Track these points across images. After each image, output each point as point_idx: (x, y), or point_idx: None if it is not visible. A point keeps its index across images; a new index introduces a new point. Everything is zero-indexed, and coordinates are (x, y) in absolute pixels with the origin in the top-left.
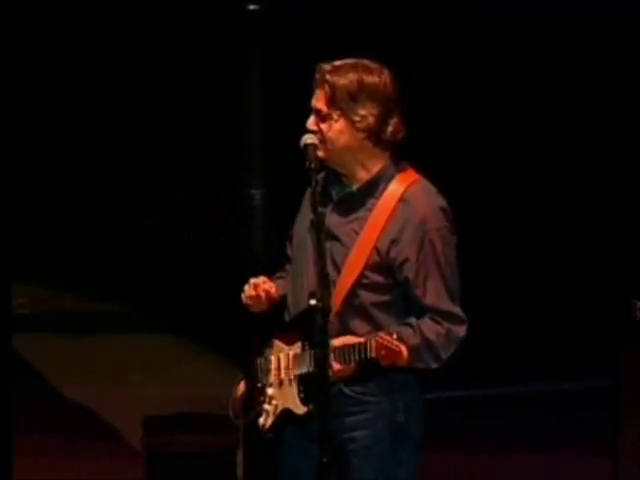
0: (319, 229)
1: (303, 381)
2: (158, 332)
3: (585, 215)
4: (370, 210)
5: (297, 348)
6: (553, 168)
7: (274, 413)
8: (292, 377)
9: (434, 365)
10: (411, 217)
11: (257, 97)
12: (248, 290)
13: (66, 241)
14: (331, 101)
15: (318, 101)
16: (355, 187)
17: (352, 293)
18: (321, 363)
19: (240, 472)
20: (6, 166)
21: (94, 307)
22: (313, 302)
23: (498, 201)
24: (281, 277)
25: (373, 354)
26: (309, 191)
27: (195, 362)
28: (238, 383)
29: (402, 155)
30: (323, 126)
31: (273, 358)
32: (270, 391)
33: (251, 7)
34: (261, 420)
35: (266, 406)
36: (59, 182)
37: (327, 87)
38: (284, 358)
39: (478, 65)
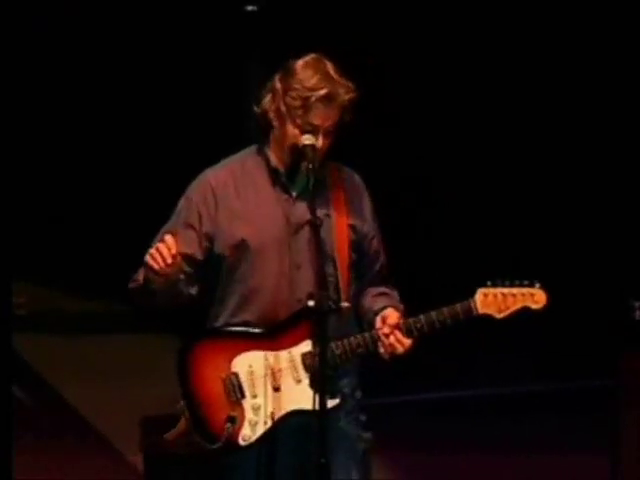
0: (317, 229)
1: (316, 377)
2: (158, 332)
3: (584, 216)
4: (324, 192)
5: (305, 347)
6: (552, 169)
7: (270, 420)
8: (300, 378)
9: None
10: (359, 192)
11: (255, 97)
12: (166, 252)
13: (66, 241)
14: (339, 117)
15: (328, 121)
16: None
17: (350, 276)
18: (323, 357)
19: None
20: (6, 166)
21: (94, 307)
22: (311, 304)
23: (497, 201)
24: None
25: (480, 311)
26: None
27: None
28: (179, 419)
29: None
30: (327, 142)
31: (257, 368)
32: (257, 401)
33: (249, 8)
34: (246, 432)
35: (252, 417)
36: (59, 182)
37: (340, 107)
38: (283, 362)
39: (476, 63)
